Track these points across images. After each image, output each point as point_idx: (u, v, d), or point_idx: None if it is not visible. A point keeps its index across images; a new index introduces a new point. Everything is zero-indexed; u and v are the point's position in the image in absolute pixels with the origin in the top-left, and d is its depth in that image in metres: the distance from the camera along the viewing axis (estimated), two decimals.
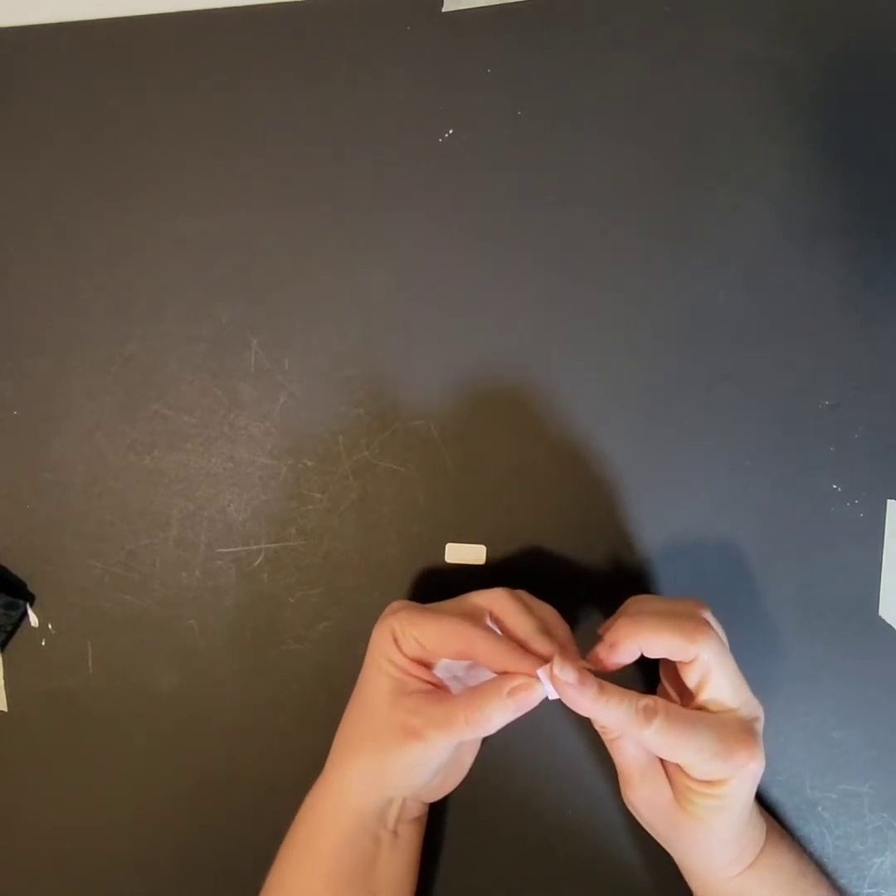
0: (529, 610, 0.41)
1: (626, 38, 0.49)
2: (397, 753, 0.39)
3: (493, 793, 0.46)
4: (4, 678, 0.52)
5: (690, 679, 0.39)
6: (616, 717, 0.37)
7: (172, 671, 0.51)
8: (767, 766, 0.46)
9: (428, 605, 0.42)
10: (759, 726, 0.39)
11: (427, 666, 0.41)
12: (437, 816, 0.48)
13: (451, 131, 0.50)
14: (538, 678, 0.37)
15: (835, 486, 0.47)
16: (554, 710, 0.47)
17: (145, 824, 0.51)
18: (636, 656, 0.39)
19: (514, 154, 0.50)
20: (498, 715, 0.38)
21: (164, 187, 0.52)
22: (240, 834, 0.51)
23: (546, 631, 0.40)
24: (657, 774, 0.40)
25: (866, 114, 0.48)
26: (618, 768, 0.41)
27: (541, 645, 0.39)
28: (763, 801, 0.47)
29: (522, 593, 0.43)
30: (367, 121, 0.51)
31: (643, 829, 0.45)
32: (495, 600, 0.41)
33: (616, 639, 0.39)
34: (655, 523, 0.48)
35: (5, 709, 0.52)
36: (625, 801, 0.43)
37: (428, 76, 0.50)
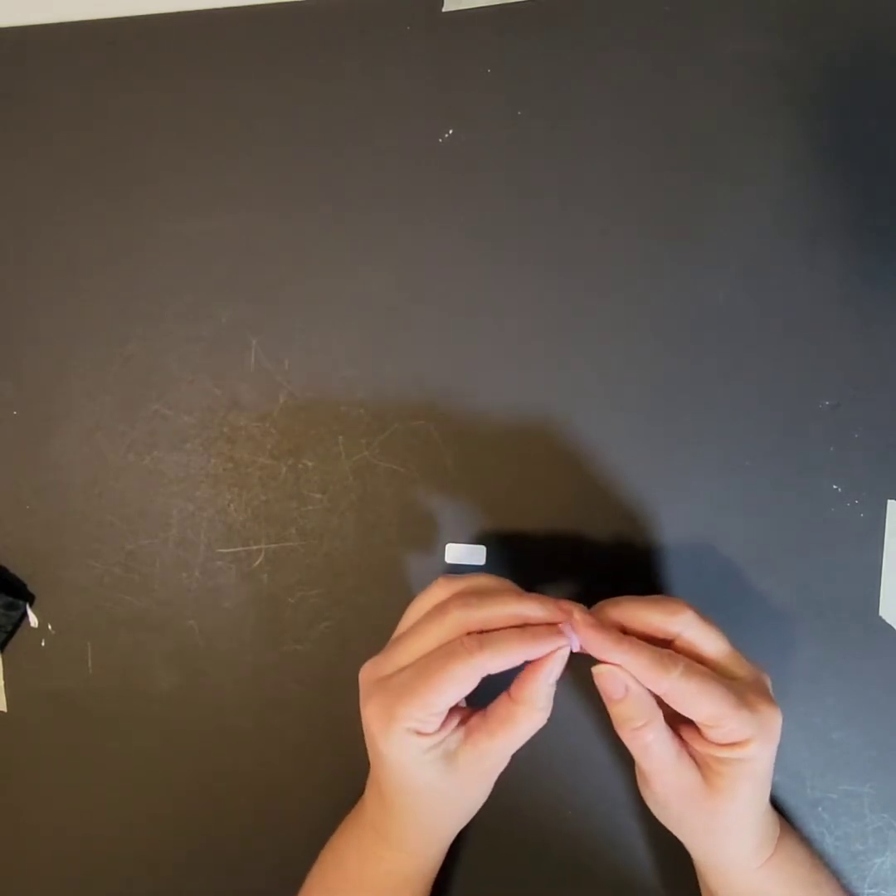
0: (477, 590, 0.40)
1: (626, 38, 0.49)
2: (484, 790, 0.41)
3: (493, 794, 0.46)
4: (4, 678, 0.52)
5: (687, 652, 0.38)
6: (644, 660, 0.36)
7: (172, 671, 0.51)
8: None
9: (390, 657, 0.39)
10: (769, 686, 0.39)
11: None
12: None
13: (451, 131, 0.50)
14: (562, 633, 0.38)
15: (835, 487, 0.47)
16: (555, 708, 0.47)
17: (145, 824, 0.51)
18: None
19: (514, 154, 0.50)
20: (544, 687, 0.37)
21: (164, 187, 0.52)
22: (240, 834, 0.51)
23: (519, 598, 0.39)
24: (685, 762, 0.39)
25: (866, 114, 0.48)
26: (643, 766, 0.40)
27: (532, 608, 0.38)
28: None
29: (453, 581, 0.41)
30: (367, 121, 0.51)
31: (644, 830, 0.45)
32: (442, 594, 0.40)
33: (600, 616, 0.39)
34: (655, 523, 0.48)
35: (5, 709, 0.52)
36: (649, 800, 0.42)
37: (428, 76, 0.50)
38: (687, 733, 0.39)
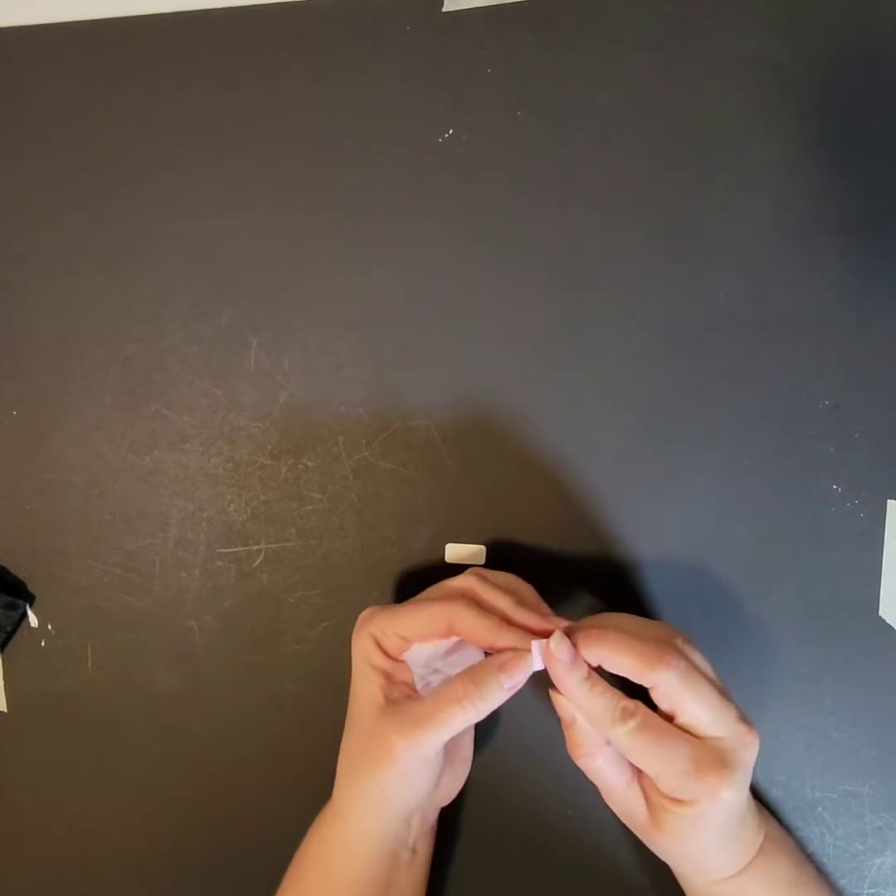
0: (500, 586, 0.42)
1: (626, 37, 0.49)
2: (399, 764, 0.39)
3: (493, 794, 0.46)
4: (4, 678, 0.52)
5: (660, 703, 0.38)
6: (596, 707, 0.37)
7: (172, 671, 0.51)
8: (767, 766, 0.46)
9: (402, 604, 0.43)
10: (747, 756, 0.38)
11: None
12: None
13: (450, 131, 0.50)
14: (527, 650, 0.38)
15: (835, 487, 0.47)
16: (553, 709, 0.47)
17: (145, 824, 0.51)
18: (593, 665, 0.38)
19: (514, 154, 0.50)
20: (495, 692, 0.38)
21: (164, 187, 0.52)
22: (239, 834, 0.51)
23: (522, 603, 0.41)
24: (633, 793, 0.40)
25: (866, 114, 0.48)
26: (595, 782, 0.41)
27: (524, 617, 0.40)
28: (763, 802, 0.47)
29: (486, 571, 0.43)
30: (367, 121, 0.51)
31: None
32: (467, 582, 0.42)
33: (578, 644, 0.38)
34: (655, 523, 0.48)
35: (5, 709, 0.52)
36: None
37: (428, 76, 0.50)
38: (638, 774, 0.40)
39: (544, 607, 0.43)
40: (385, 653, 0.41)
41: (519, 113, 0.50)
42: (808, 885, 0.44)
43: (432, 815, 0.45)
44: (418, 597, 0.44)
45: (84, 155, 0.53)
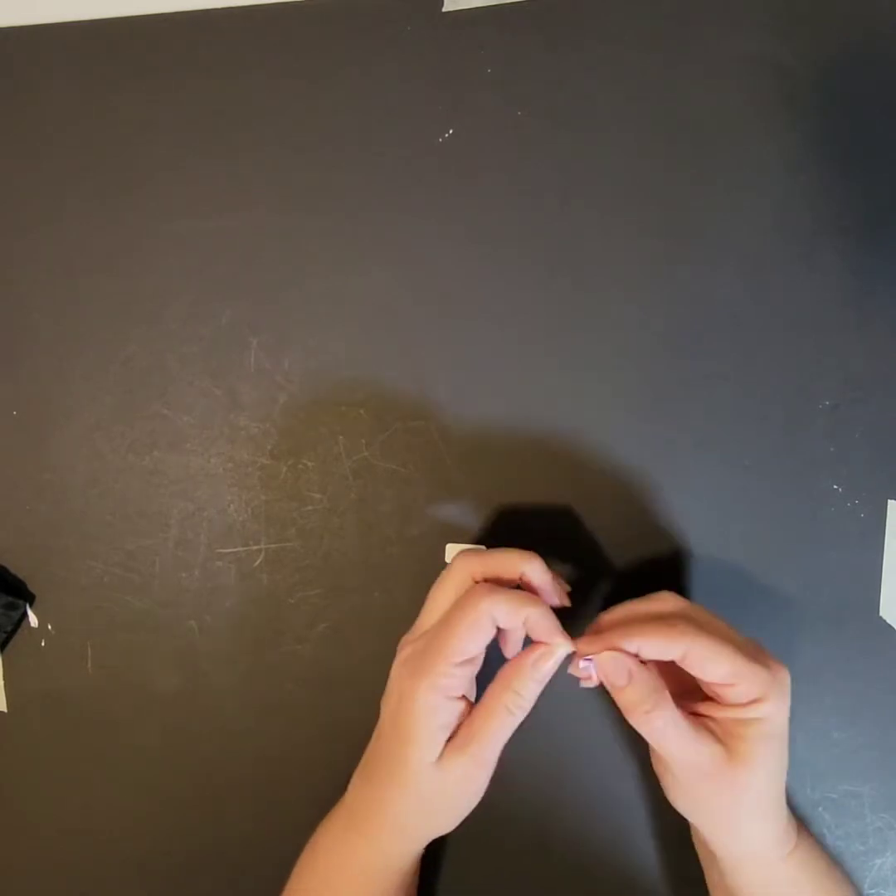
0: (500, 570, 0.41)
1: (626, 38, 0.49)
2: (472, 798, 0.41)
3: (493, 794, 0.46)
4: (4, 678, 0.52)
5: (704, 672, 0.38)
6: (653, 639, 0.37)
7: (172, 671, 0.51)
8: None
9: (416, 627, 0.42)
10: (783, 674, 0.39)
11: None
12: None
13: (450, 131, 0.50)
14: (556, 642, 0.39)
15: (835, 487, 0.47)
16: (554, 709, 0.47)
17: (145, 824, 0.51)
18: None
19: (514, 154, 0.50)
20: (534, 689, 0.39)
21: (164, 187, 0.52)
22: (239, 834, 0.51)
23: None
24: (703, 737, 0.39)
25: (866, 114, 0.48)
26: (660, 751, 0.39)
27: (535, 566, 0.41)
28: None
29: (473, 555, 0.42)
30: (367, 121, 0.51)
31: (646, 830, 0.45)
32: (465, 568, 0.41)
33: (610, 641, 0.39)
34: (655, 523, 0.48)
35: (5, 709, 0.52)
36: (670, 789, 0.41)
37: (428, 76, 0.50)
38: (700, 707, 0.40)
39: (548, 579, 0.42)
40: (453, 699, 0.40)
41: (519, 113, 0.50)
42: (839, 866, 0.45)
43: None
44: (425, 606, 0.42)
45: (84, 155, 0.53)
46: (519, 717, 0.39)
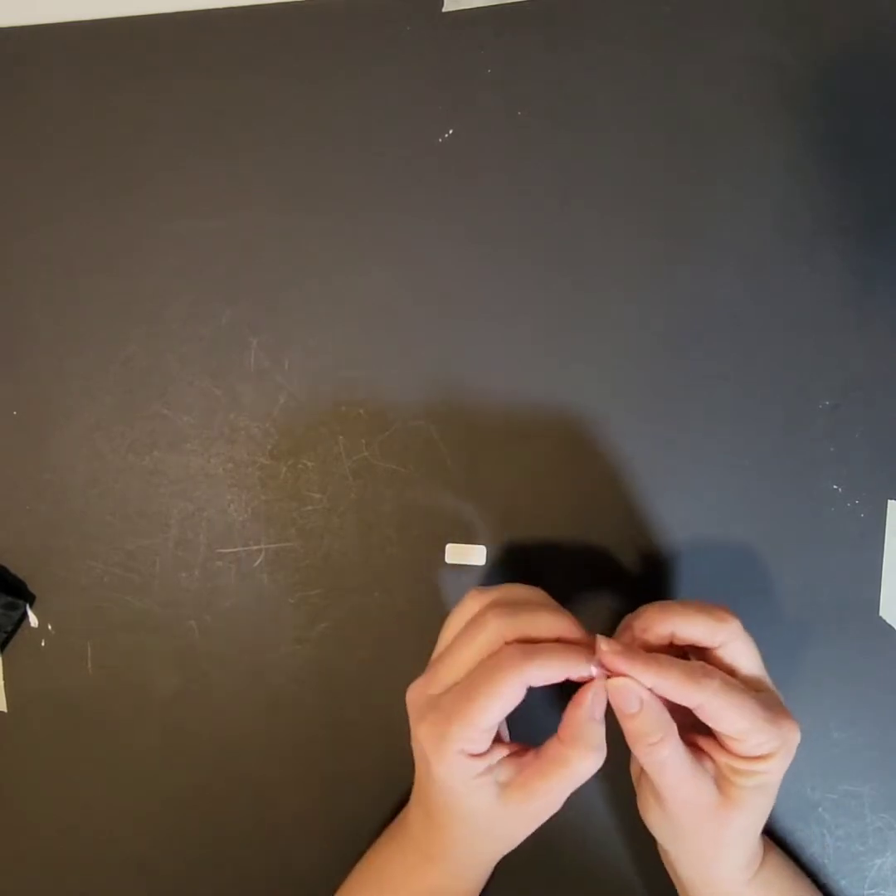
0: (524, 611, 0.39)
1: (626, 38, 0.49)
2: (533, 825, 0.40)
3: None
4: (4, 678, 0.52)
5: (723, 664, 0.38)
6: (673, 680, 0.36)
7: (172, 672, 0.51)
8: None
9: (436, 676, 0.39)
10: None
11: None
12: None
13: (450, 131, 0.50)
14: (587, 667, 0.37)
15: (835, 487, 0.47)
16: (555, 710, 0.47)
17: (145, 824, 0.51)
18: (666, 641, 0.39)
19: (513, 154, 0.50)
20: (588, 723, 0.37)
21: (164, 187, 0.52)
22: (240, 834, 0.51)
23: (552, 604, 0.40)
24: (701, 775, 0.38)
25: (866, 114, 0.48)
26: (659, 782, 0.38)
27: (569, 626, 0.39)
28: None
29: (494, 595, 0.40)
30: (367, 121, 0.51)
31: (643, 830, 0.44)
32: (491, 624, 0.38)
33: (648, 624, 0.38)
34: (655, 523, 0.48)
35: (5, 709, 0.52)
36: (652, 816, 0.41)
37: (428, 76, 0.50)
38: (704, 743, 0.39)
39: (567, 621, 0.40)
40: (479, 756, 0.38)
41: (519, 113, 0.50)
42: (803, 878, 0.45)
43: None
44: (447, 656, 0.39)
45: (84, 155, 0.53)
46: (595, 764, 0.37)
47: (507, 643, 0.38)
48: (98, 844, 0.51)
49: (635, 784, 0.44)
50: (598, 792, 0.48)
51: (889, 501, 0.47)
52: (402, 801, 0.48)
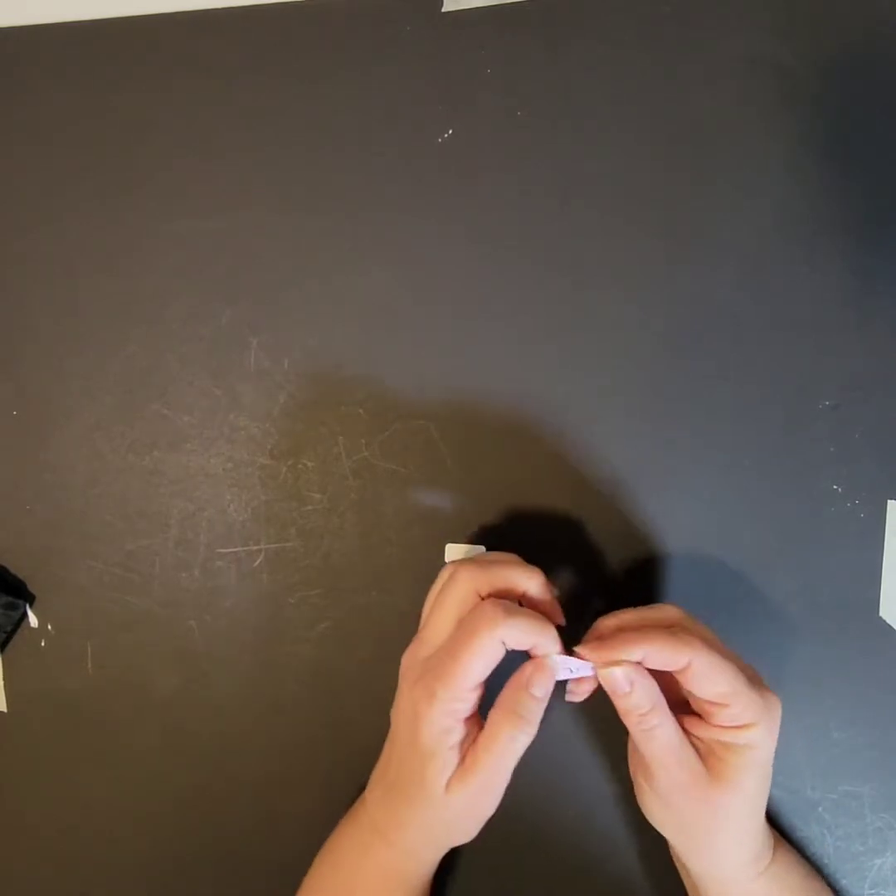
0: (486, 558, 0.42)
1: (626, 38, 0.49)
2: (486, 813, 0.41)
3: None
4: (4, 678, 0.52)
5: (700, 688, 0.39)
6: (660, 641, 0.38)
7: (172, 672, 0.51)
8: None
9: (423, 639, 0.41)
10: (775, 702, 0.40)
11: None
12: None
13: (450, 131, 0.50)
14: (549, 655, 0.39)
15: (835, 487, 0.47)
16: (554, 710, 0.47)
17: (145, 825, 0.51)
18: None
19: (513, 154, 0.50)
20: (533, 708, 0.39)
21: (164, 187, 0.52)
22: (239, 834, 0.51)
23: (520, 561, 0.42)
24: (688, 750, 0.39)
25: (866, 114, 0.48)
26: (647, 755, 0.40)
27: (534, 580, 0.41)
28: None
29: (468, 564, 0.42)
30: (366, 121, 0.51)
31: (646, 830, 0.45)
32: (464, 584, 0.41)
33: (616, 647, 0.39)
34: (655, 524, 0.48)
35: (5, 709, 0.52)
36: (649, 804, 0.42)
37: (428, 76, 0.50)
38: (690, 723, 0.40)
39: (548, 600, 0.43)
40: (464, 721, 0.40)
41: (519, 113, 0.50)
42: (816, 876, 0.45)
43: None
44: (430, 619, 0.42)
45: (84, 155, 0.53)
46: (523, 740, 0.39)
47: (482, 598, 0.40)
48: (98, 844, 0.51)
49: (633, 780, 0.44)
50: (599, 792, 0.48)
51: (889, 501, 0.47)
52: None
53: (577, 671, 0.40)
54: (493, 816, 0.48)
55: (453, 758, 0.40)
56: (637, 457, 0.48)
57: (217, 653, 0.51)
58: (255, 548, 0.51)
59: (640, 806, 0.43)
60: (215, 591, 0.51)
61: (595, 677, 0.40)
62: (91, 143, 0.53)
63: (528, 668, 0.40)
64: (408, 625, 0.44)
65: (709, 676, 0.38)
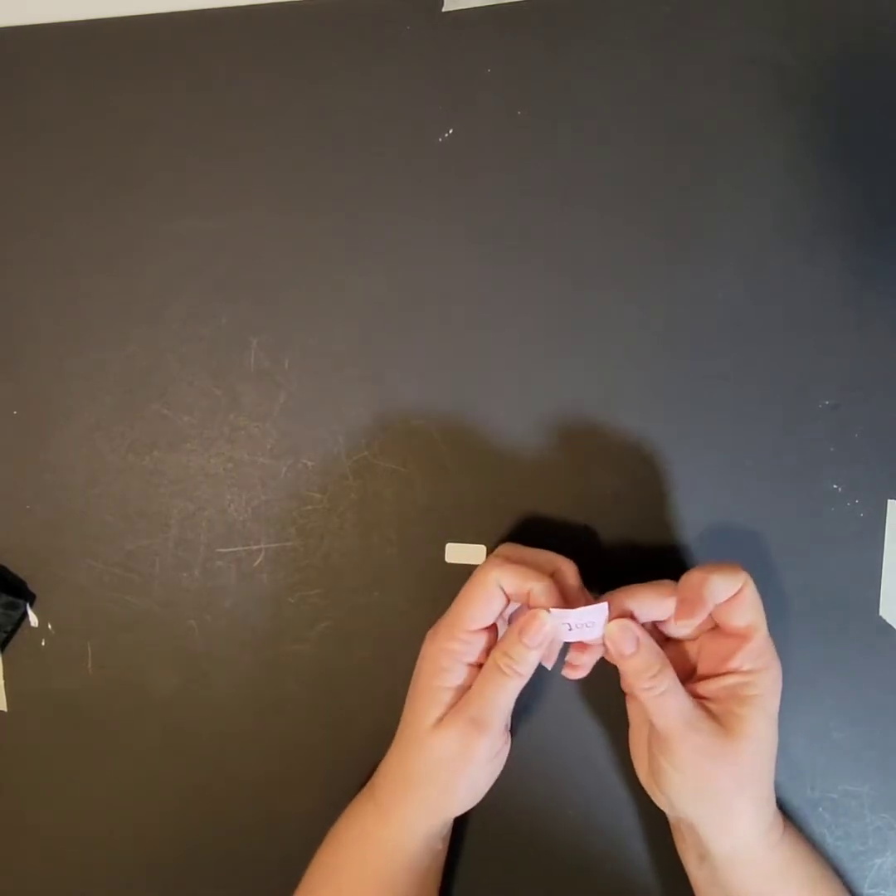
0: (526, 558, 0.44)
1: (626, 38, 0.49)
2: (467, 768, 0.42)
3: (494, 792, 0.46)
4: (4, 678, 0.52)
5: (739, 614, 0.41)
6: (722, 575, 0.40)
7: (172, 671, 0.51)
8: None
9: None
10: None
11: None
12: None
13: (451, 131, 0.50)
14: (542, 610, 0.40)
15: (835, 486, 0.47)
16: (554, 709, 0.47)
17: (145, 824, 0.51)
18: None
19: (513, 154, 0.50)
20: (524, 654, 0.40)
21: (164, 187, 0.52)
22: (240, 834, 0.51)
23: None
24: (700, 712, 0.40)
25: (866, 114, 0.48)
26: (660, 723, 0.40)
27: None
28: None
29: (515, 551, 0.45)
30: (367, 121, 0.51)
31: (645, 830, 0.45)
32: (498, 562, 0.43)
33: (687, 594, 0.40)
34: (656, 523, 0.48)
35: (5, 709, 0.52)
36: (665, 782, 0.41)
37: (428, 76, 0.50)
38: (698, 687, 0.41)
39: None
40: (461, 663, 0.42)
41: (519, 112, 0.50)
42: (827, 866, 0.46)
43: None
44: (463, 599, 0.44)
45: (84, 155, 0.53)
46: (514, 680, 0.41)
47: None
48: (98, 844, 0.51)
49: (638, 769, 0.44)
50: (599, 791, 0.48)
51: (889, 501, 0.47)
52: None
53: (576, 629, 0.40)
54: (494, 817, 0.48)
55: (445, 697, 0.42)
56: (637, 457, 0.48)
57: (217, 653, 0.51)
58: (255, 547, 0.51)
59: (657, 784, 0.43)
60: (215, 590, 0.51)
61: (597, 646, 0.41)
62: (91, 143, 0.53)
63: (524, 618, 0.41)
64: (408, 625, 0.44)
65: (753, 602, 0.40)
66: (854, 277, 0.48)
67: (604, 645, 0.41)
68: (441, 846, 0.46)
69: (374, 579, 0.50)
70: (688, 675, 0.43)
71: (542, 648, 0.41)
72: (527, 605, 0.42)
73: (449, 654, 0.42)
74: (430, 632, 0.44)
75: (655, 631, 0.44)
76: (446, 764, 0.42)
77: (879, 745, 0.47)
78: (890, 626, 0.47)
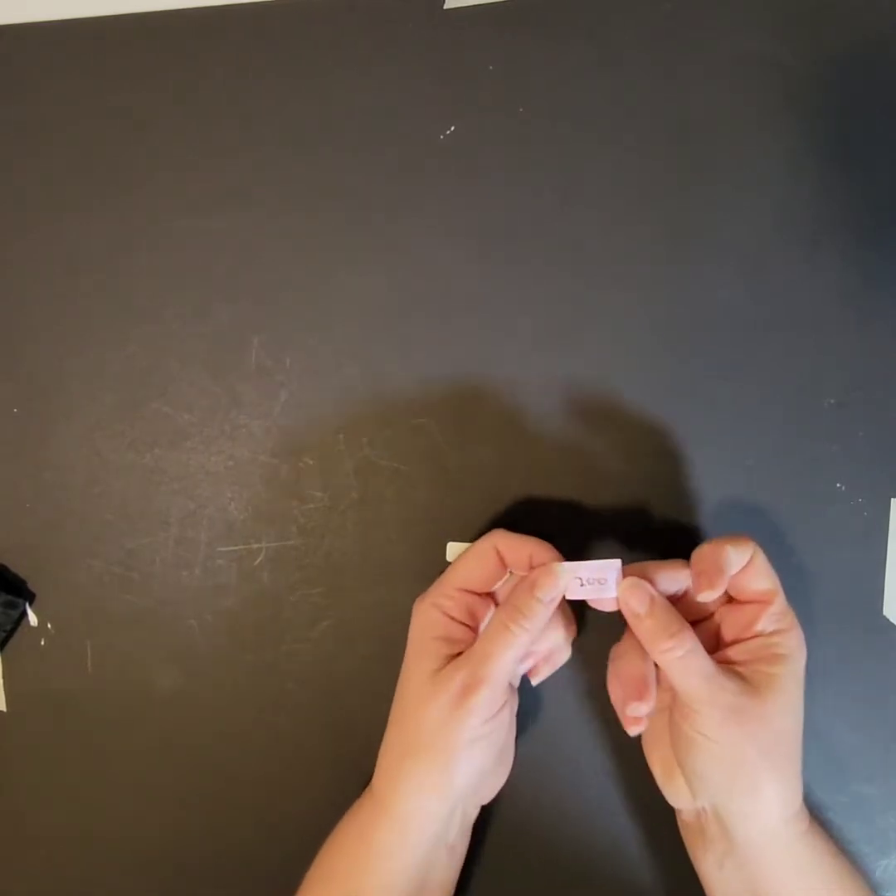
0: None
1: (626, 37, 0.49)
2: (464, 724, 0.39)
3: (495, 796, 0.46)
4: (4, 678, 0.52)
5: (755, 580, 0.41)
6: (729, 544, 0.40)
7: (172, 671, 0.51)
8: None
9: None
10: None
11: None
12: None
13: (452, 128, 0.50)
14: (555, 564, 0.41)
15: (838, 485, 0.47)
16: (556, 709, 0.47)
17: (145, 824, 0.51)
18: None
19: (514, 151, 0.50)
20: (535, 608, 0.40)
21: (164, 187, 0.52)
22: (240, 834, 0.50)
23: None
24: (725, 672, 0.39)
25: (866, 114, 0.48)
26: (684, 688, 0.39)
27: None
28: None
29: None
30: (367, 119, 0.51)
31: (646, 832, 0.44)
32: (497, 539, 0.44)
33: (704, 567, 0.40)
34: (657, 523, 0.48)
35: (5, 709, 0.52)
36: (693, 758, 0.40)
37: (429, 74, 0.50)
38: (723, 654, 0.41)
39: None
40: (450, 618, 0.42)
41: (520, 110, 0.50)
42: (858, 873, 0.44)
43: (473, 812, 0.45)
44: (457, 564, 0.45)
45: (84, 155, 0.53)
46: (521, 637, 0.40)
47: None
48: (98, 844, 0.51)
49: (665, 752, 0.43)
50: (600, 791, 0.48)
51: (892, 500, 0.47)
52: None
53: (588, 585, 0.40)
54: (494, 817, 0.47)
55: (440, 648, 0.41)
56: (637, 457, 0.48)
57: (217, 652, 0.51)
58: (255, 546, 0.51)
59: (671, 788, 0.42)
60: (216, 589, 0.51)
61: (610, 600, 0.40)
62: (90, 142, 0.53)
63: (535, 571, 0.41)
64: (409, 624, 0.44)
65: (765, 569, 0.40)
66: (854, 277, 0.48)
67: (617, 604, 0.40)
68: (444, 853, 0.43)
69: (376, 578, 0.50)
70: (711, 651, 0.41)
71: (554, 604, 0.40)
72: (529, 568, 0.42)
73: (438, 607, 0.42)
74: (420, 596, 0.44)
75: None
76: (442, 722, 0.40)
77: (886, 747, 0.47)
78: (894, 625, 0.47)
